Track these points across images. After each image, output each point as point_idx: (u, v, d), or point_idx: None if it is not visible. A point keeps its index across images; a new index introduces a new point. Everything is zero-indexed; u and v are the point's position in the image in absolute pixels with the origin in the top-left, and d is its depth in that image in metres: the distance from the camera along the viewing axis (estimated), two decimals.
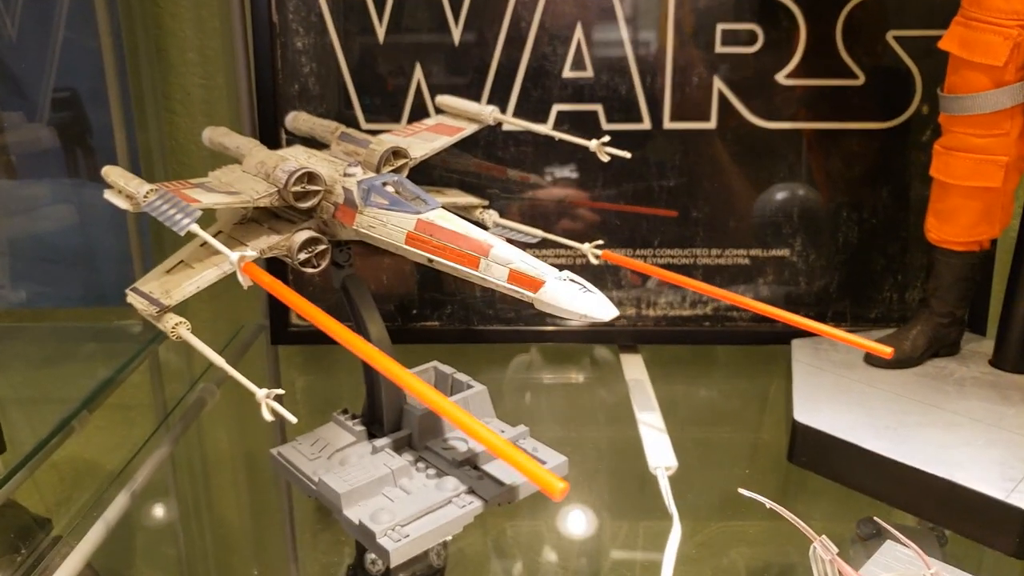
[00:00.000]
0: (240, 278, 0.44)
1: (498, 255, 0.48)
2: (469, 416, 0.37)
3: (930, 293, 0.71)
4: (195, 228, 0.47)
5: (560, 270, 0.46)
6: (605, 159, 0.63)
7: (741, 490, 0.49)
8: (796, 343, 0.77)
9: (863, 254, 0.82)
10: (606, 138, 0.63)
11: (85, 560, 0.56)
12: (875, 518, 0.46)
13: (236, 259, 0.44)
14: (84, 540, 0.57)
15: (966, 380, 0.69)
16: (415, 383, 0.39)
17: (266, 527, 0.68)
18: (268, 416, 0.44)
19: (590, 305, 0.44)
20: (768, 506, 0.48)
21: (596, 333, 0.86)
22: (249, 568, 0.63)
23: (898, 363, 0.71)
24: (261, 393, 0.45)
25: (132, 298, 0.52)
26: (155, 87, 0.90)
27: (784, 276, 0.83)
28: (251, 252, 0.45)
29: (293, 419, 0.44)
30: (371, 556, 0.56)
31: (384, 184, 0.55)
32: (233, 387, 0.82)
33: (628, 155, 0.62)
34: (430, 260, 0.51)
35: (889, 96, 0.78)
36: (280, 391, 0.45)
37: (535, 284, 0.46)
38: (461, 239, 0.49)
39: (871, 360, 0.72)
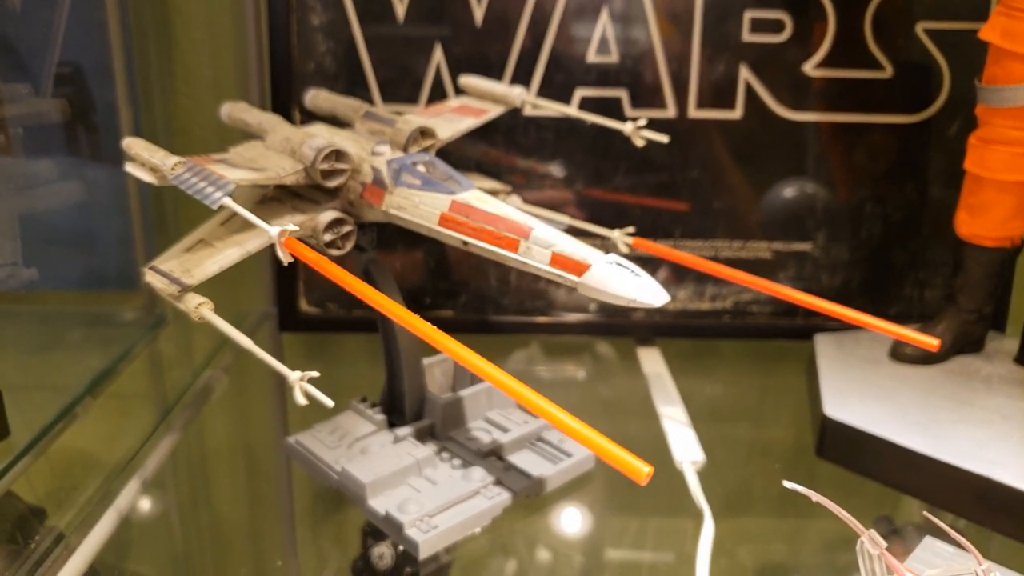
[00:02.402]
0: (280, 254, 0.42)
1: (539, 237, 0.46)
2: (542, 397, 0.35)
3: (957, 289, 0.70)
4: (228, 201, 0.45)
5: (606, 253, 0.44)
6: (640, 144, 0.62)
7: (785, 483, 0.48)
8: (819, 337, 0.76)
9: (885, 250, 0.81)
10: (642, 121, 0.61)
11: (95, 552, 0.53)
12: (926, 513, 0.45)
13: (277, 234, 0.42)
14: (94, 531, 0.54)
15: (993, 377, 0.68)
16: (476, 360, 0.38)
17: (267, 519, 0.66)
18: (302, 400, 0.43)
19: (640, 289, 0.43)
20: (814, 499, 0.47)
21: (613, 326, 0.84)
22: (246, 562, 0.61)
23: (924, 359, 0.70)
24: (294, 376, 0.43)
25: (151, 277, 0.49)
26: (161, 64, 0.87)
27: (806, 270, 0.82)
28: (292, 226, 0.43)
29: (330, 402, 0.42)
30: (378, 551, 0.54)
31: (415, 163, 0.54)
32: (235, 375, 0.81)
33: (666, 139, 0.61)
34: (465, 243, 0.49)
35: (917, 89, 0.77)
36: (315, 373, 0.43)
37: (580, 268, 0.44)
38: (499, 220, 0.48)
39: (897, 356, 0.71)
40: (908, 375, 0.69)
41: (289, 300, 0.83)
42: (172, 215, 0.88)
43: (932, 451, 0.58)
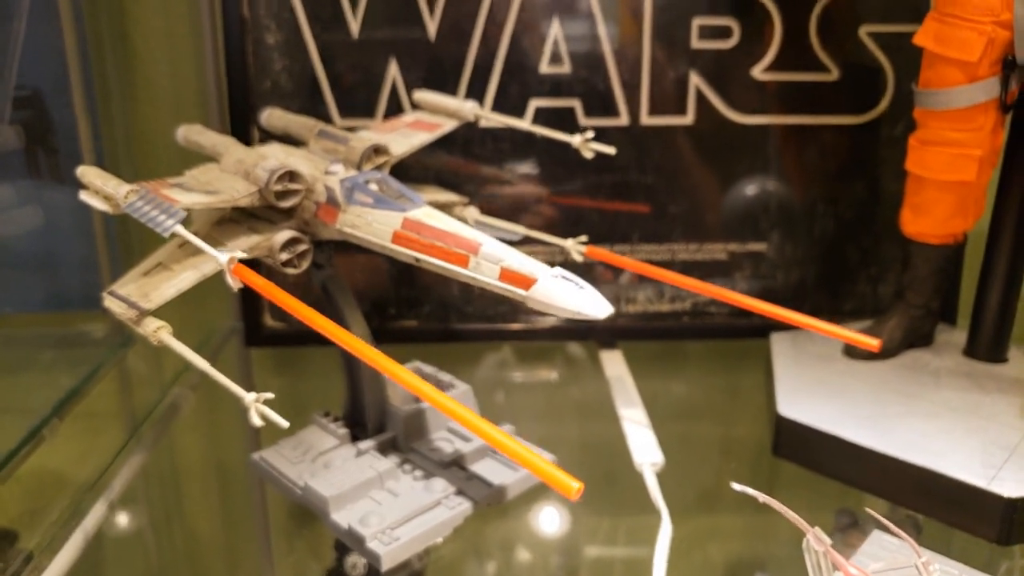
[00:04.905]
0: (229, 280, 0.43)
1: (488, 253, 0.47)
2: (475, 414, 0.36)
3: (906, 286, 0.72)
4: (179, 229, 0.46)
5: (552, 267, 0.46)
6: (589, 155, 0.63)
7: (733, 484, 0.49)
8: (775, 336, 0.77)
9: (838, 248, 0.83)
10: (590, 134, 0.63)
11: (64, 572, 0.54)
12: (868, 509, 0.47)
13: (225, 260, 0.43)
14: (62, 552, 0.55)
15: (941, 371, 0.70)
16: (417, 383, 0.39)
17: (241, 534, 0.67)
18: (257, 421, 0.43)
19: (584, 302, 0.44)
20: (761, 500, 0.48)
21: (576, 330, 0.86)
22: None
23: (875, 355, 0.72)
24: (250, 397, 0.44)
25: (109, 302, 0.50)
26: (121, 85, 0.87)
27: (761, 270, 0.84)
28: (240, 253, 0.44)
29: (285, 423, 0.43)
30: (351, 560, 0.55)
31: (367, 182, 0.55)
32: (205, 392, 0.81)
33: (613, 151, 0.62)
34: (417, 259, 0.50)
35: (862, 91, 0.79)
36: (270, 395, 0.44)
37: (527, 282, 0.45)
38: (450, 237, 0.49)
39: (850, 352, 0.72)
40: (860, 371, 0.70)
41: (254, 315, 0.84)
42: (136, 233, 0.88)
43: (880, 446, 0.59)
